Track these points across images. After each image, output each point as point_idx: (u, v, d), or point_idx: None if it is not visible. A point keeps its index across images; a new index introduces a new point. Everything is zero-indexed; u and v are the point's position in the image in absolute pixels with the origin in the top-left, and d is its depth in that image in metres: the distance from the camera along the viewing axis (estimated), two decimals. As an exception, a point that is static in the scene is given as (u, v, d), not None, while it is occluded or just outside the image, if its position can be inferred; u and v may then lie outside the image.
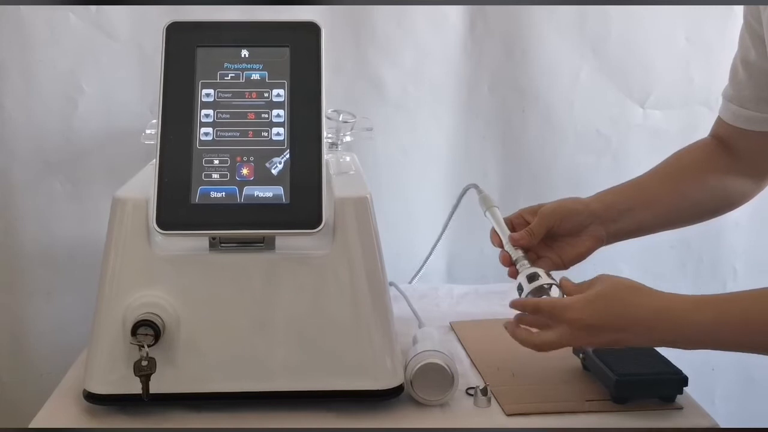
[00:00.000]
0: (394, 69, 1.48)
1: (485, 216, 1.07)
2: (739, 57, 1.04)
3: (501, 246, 1.03)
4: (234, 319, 0.92)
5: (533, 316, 0.93)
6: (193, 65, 0.93)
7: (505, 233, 1.03)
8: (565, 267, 1.04)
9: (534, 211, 1.04)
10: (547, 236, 1.03)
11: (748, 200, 1.09)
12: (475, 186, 1.11)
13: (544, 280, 0.96)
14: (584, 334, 0.89)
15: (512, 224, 1.05)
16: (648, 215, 1.06)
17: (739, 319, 0.84)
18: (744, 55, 1.03)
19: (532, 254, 1.02)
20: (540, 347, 0.92)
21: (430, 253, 1.34)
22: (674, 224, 1.11)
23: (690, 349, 0.87)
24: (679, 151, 1.11)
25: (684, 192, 1.07)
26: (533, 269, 0.97)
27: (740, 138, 1.05)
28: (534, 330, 0.93)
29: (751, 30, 1.01)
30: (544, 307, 0.91)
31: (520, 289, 0.97)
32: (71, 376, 1.02)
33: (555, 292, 0.95)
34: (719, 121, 1.09)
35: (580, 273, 0.99)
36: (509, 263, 1.01)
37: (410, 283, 1.39)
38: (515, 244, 1.01)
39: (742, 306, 0.85)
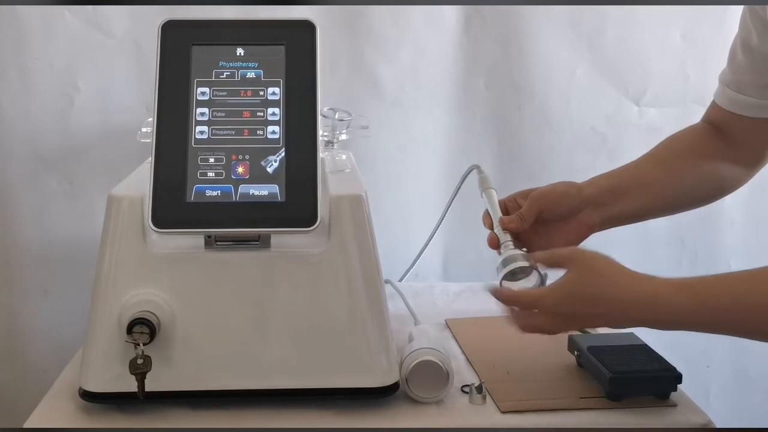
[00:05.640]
0: (390, 67, 1.48)
1: (482, 197, 1.07)
2: (739, 40, 1.02)
3: (492, 228, 1.02)
4: (229, 317, 0.92)
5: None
6: (189, 63, 0.93)
7: (496, 215, 1.02)
8: None
9: (527, 194, 1.03)
10: (539, 221, 1.01)
11: (739, 186, 1.09)
12: (477, 167, 1.11)
13: (521, 263, 0.95)
14: (564, 322, 0.91)
15: (506, 207, 1.04)
16: (642, 199, 1.05)
17: (722, 302, 0.84)
18: (744, 39, 1.01)
19: (523, 239, 1.01)
20: (527, 330, 0.92)
21: (426, 244, 1.33)
22: (668, 210, 1.10)
23: (667, 330, 0.87)
24: (671, 136, 1.10)
25: (677, 176, 1.06)
26: (514, 251, 0.97)
27: (734, 123, 1.04)
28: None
29: (753, 13, 0.98)
30: (521, 299, 0.92)
31: (499, 269, 0.97)
32: (67, 375, 1.02)
33: (533, 279, 0.95)
34: (714, 106, 1.07)
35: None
36: (496, 246, 1.01)
37: (401, 279, 1.38)
38: (504, 227, 1.00)
39: (723, 290, 0.85)
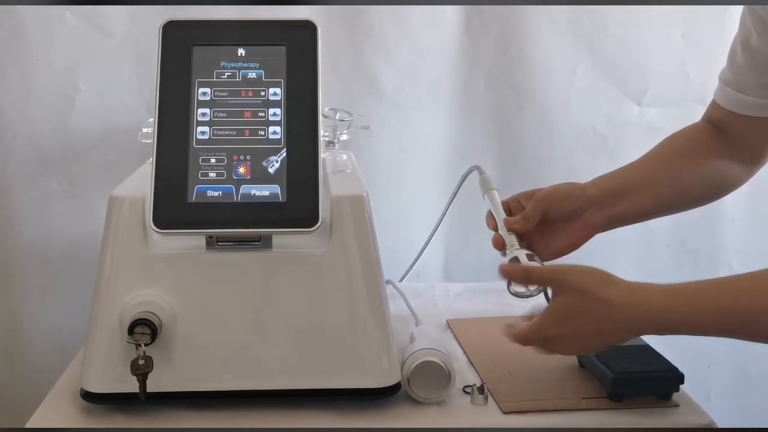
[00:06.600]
0: (390, 67, 1.48)
1: (483, 198, 1.07)
2: (739, 39, 1.02)
3: (496, 229, 1.02)
4: (231, 318, 0.92)
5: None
6: (190, 64, 0.93)
7: (500, 216, 1.02)
8: (561, 254, 1.03)
9: (530, 195, 1.03)
10: (543, 222, 1.01)
11: (740, 185, 1.09)
12: (478, 167, 1.11)
13: (531, 263, 0.95)
14: (566, 344, 0.91)
15: (509, 208, 1.04)
16: (644, 199, 1.05)
17: (720, 307, 0.84)
18: (744, 38, 1.00)
19: (527, 240, 1.01)
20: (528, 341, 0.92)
21: (426, 244, 1.33)
22: (670, 209, 1.10)
23: (666, 335, 0.87)
24: (671, 135, 1.10)
25: (678, 175, 1.06)
26: (521, 252, 0.97)
27: (734, 122, 1.04)
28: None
29: (753, 13, 0.98)
30: (522, 332, 0.91)
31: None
32: (68, 375, 1.02)
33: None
34: (713, 105, 1.07)
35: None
36: (501, 247, 1.01)
37: (402, 279, 1.38)
38: (509, 228, 1.00)
39: (720, 295, 0.84)
